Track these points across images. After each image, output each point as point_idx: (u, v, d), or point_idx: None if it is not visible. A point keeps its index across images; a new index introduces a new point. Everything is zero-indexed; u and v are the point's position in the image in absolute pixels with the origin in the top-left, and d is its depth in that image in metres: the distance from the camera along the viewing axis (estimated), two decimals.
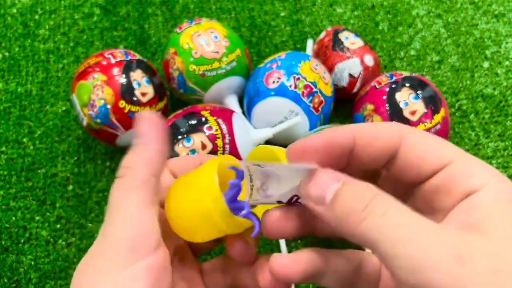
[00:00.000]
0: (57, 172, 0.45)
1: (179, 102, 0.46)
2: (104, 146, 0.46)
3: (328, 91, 0.42)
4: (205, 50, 0.42)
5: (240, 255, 0.22)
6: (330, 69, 0.45)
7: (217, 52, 0.42)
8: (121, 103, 0.39)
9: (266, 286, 0.21)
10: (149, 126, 0.21)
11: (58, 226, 0.42)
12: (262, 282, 0.21)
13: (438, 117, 0.39)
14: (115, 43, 0.52)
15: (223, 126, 0.38)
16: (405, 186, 0.19)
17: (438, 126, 0.39)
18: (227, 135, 0.38)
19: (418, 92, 0.39)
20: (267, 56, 0.51)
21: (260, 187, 0.20)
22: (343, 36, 0.46)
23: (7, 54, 0.51)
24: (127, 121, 0.40)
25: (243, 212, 0.20)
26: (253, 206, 0.21)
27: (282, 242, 0.40)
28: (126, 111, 0.39)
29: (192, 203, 0.20)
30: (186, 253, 0.24)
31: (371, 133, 0.18)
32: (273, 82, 0.41)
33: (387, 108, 0.39)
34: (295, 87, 0.40)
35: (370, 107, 0.41)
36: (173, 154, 0.37)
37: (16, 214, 0.43)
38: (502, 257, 0.15)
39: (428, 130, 0.38)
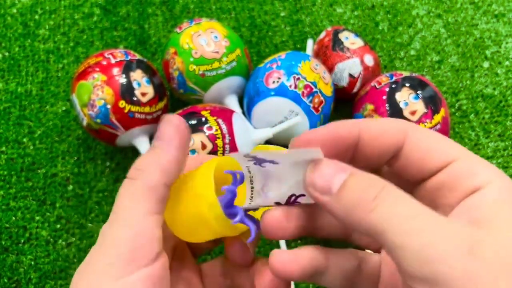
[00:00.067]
0: (57, 172, 0.45)
1: (179, 102, 0.46)
2: (104, 146, 0.46)
3: (328, 91, 0.42)
4: (205, 50, 0.42)
5: (237, 257, 0.22)
6: (330, 69, 0.45)
7: (217, 52, 0.42)
8: (121, 103, 0.39)
9: None
10: (174, 131, 0.19)
11: (58, 226, 0.42)
12: (260, 287, 0.21)
13: (438, 117, 0.39)
14: (115, 43, 0.52)
15: (223, 126, 0.38)
16: (407, 183, 0.19)
17: (438, 126, 0.39)
18: (227, 135, 0.38)
19: (418, 92, 0.39)
20: (267, 56, 0.51)
21: (260, 189, 0.20)
22: (343, 36, 0.46)
23: (7, 54, 0.51)
24: (127, 121, 0.40)
25: (236, 218, 0.19)
26: (256, 209, 0.21)
27: (282, 242, 0.40)
28: (126, 111, 0.39)
29: (189, 206, 0.20)
30: (185, 253, 0.24)
31: (377, 128, 0.18)
32: (273, 82, 0.41)
33: (387, 108, 0.39)
34: (295, 87, 0.40)
35: (370, 107, 0.41)
36: None
37: (16, 214, 0.43)
38: (510, 251, 0.15)
39: None
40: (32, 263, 0.40)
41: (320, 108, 0.41)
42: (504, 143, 0.46)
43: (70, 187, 0.44)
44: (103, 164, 0.45)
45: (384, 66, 0.51)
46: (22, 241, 0.41)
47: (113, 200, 0.19)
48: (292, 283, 0.38)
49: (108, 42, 0.52)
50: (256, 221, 0.20)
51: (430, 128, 0.39)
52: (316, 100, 0.41)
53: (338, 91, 0.45)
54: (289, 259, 0.19)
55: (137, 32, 0.53)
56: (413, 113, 0.39)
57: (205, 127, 0.38)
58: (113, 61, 0.41)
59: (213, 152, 0.37)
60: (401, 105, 0.39)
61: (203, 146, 0.37)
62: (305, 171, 0.18)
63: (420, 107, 0.39)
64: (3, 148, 0.46)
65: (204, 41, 0.42)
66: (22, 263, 0.40)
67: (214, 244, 0.24)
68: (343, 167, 0.17)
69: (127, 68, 0.40)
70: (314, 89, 0.41)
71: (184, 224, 0.21)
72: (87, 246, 0.41)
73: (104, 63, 0.40)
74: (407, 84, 0.40)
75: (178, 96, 0.45)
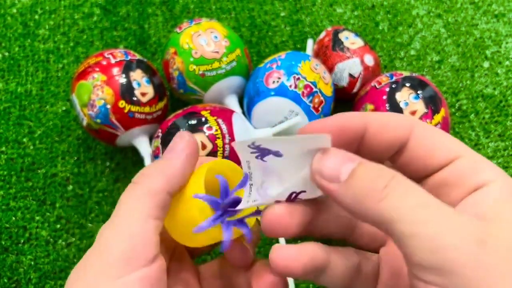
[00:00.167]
0: (57, 172, 0.45)
1: (179, 102, 0.46)
2: (104, 146, 0.46)
3: (328, 91, 0.42)
4: (205, 50, 0.42)
5: (236, 259, 0.22)
6: (330, 69, 0.45)
7: (217, 52, 0.42)
8: (121, 103, 0.39)
9: None
10: (184, 146, 0.20)
11: (58, 226, 0.42)
12: None
13: (438, 117, 0.39)
14: (115, 43, 0.52)
15: (223, 126, 0.38)
16: (410, 178, 0.19)
17: (438, 126, 0.39)
18: (227, 135, 0.38)
19: (418, 92, 0.39)
20: (267, 56, 0.51)
21: (260, 186, 0.19)
22: (343, 36, 0.46)
23: (7, 54, 0.51)
24: (127, 121, 0.40)
25: (225, 234, 0.19)
26: (258, 212, 0.21)
27: (282, 242, 0.40)
28: (126, 111, 0.39)
29: (182, 211, 0.20)
30: (183, 255, 0.24)
31: (383, 122, 0.18)
32: (273, 82, 0.41)
33: (387, 108, 0.39)
34: (295, 87, 0.40)
35: (370, 107, 0.41)
36: None
37: (16, 214, 0.43)
38: None
39: None
40: (32, 263, 0.40)
41: (320, 108, 0.41)
42: (504, 143, 0.46)
43: (70, 187, 0.44)
44: (103, 164, 0.45)
45: (384, 66, 0.51)
46: (22, 241, 0.41)
47: (113, 200, 0.19)
48: (292, 283, 0.38)
49: (108, 42, 0.52)
50: (248, 227, 0.20)
51: None
52: (316, 100, 0.41)
53: (338, 91, 0.45)
54: (293, 254, 0.18)
55: (137, 32, 0.53)
56: (413, 113, 0.39)
57: (205, 127, 0.38)
58: (113, 61, 0.41)
59: (213, 152, 0.37)
60: (401, 105, 0.39)
61: (203, 146, 0.37)
62: (311, 160, 0.18)
63: (420, 107, 0.39)
64: (3, 148, 0.46)
65: (204, 41, 0.42)
66: (22, 263, 0.40)
67: (211, 247, 0.24)
68: (351, 157, 0.17)
69: (127, 68, 0.40)
70: (314, 89, 0.41)
71: (180, 229, 0.21)
72: (87, 246, 0.41)
73: (104, 63, 0.40)
74: (407, 84, 0.40)
75: (178, 96, 0.45)
